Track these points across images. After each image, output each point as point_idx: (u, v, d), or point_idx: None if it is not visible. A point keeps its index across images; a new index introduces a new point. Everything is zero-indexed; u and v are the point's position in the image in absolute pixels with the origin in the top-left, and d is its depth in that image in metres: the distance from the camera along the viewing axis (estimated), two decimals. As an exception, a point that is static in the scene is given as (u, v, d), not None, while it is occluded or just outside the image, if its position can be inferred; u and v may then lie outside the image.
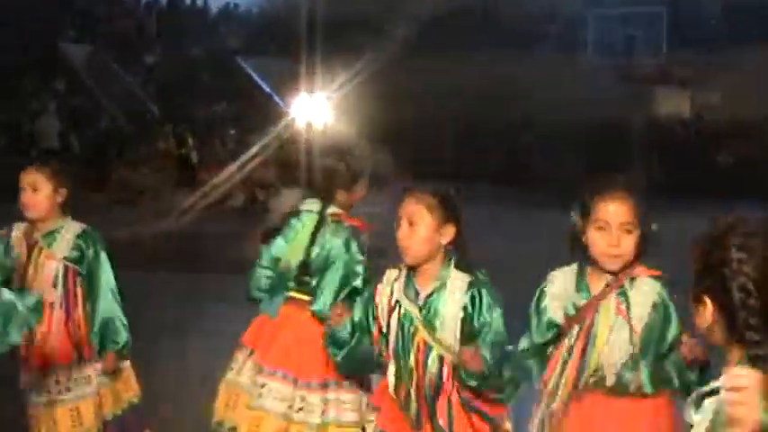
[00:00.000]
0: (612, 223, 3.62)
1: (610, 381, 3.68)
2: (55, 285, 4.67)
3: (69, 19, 27.52)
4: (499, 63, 22.89)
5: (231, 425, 4.64)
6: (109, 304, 4.75)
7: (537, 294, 3.83)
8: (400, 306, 3.79)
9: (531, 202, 16.87)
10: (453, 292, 3.74)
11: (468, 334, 3.71)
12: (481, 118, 21.77)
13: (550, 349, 3.79)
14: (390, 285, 3.85)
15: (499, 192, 18.35)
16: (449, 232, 3.72)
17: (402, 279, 3.83)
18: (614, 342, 3.67)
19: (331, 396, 4.53)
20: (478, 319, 3.72)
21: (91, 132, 23.35)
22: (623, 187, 3.67)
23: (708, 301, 2.24)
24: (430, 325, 3.73)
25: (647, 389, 3.67)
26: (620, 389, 3.69)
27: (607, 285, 3.70)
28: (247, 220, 15.33)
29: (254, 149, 20.56)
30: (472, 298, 3.74)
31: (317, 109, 23.16)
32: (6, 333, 3.70)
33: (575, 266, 3.76)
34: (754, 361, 2.12)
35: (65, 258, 4.69)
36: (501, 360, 3.73)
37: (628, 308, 3.67)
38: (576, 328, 3.74)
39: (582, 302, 3.73)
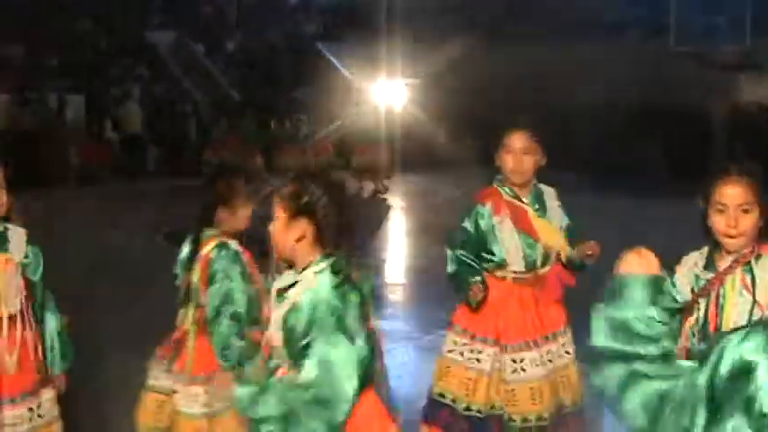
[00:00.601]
0: (730, 205, 3.82)
1: None
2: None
3: (154, 5, 27.92)
4: (581, 49, 22.73)
5: None
6: (55, 315, 4.49)
7: (669, 278, 3.89)
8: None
9: (622, 190, 16.76)
10: (293, 294, 3.47)
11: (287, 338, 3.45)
12: (561, 104, 21.66)
13: (675, 324, 3.85)
14: None
15: (586, 179, 18.18)
16: (299, 228, 3.47)
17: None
18: (739, 316, 3.83)
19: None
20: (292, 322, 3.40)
21: (174, 118, 23.70)
22: (737, 171, 3.87)
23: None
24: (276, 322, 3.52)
25: None
26: None
27: (734, 261, 3.87)
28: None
29: (332, 134, 20.76)
30: (296, 303, 3.42)
31: (396, 94, 23.27)
32: None
33: (705, 249, 3.95)
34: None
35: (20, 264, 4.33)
36: None
37: (753, 283, 3.84)
38: (702, 302, 3.90)
39: (708, 278, 3.90)
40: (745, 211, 3.82)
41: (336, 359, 3.32)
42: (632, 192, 16.58)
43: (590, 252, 5.02)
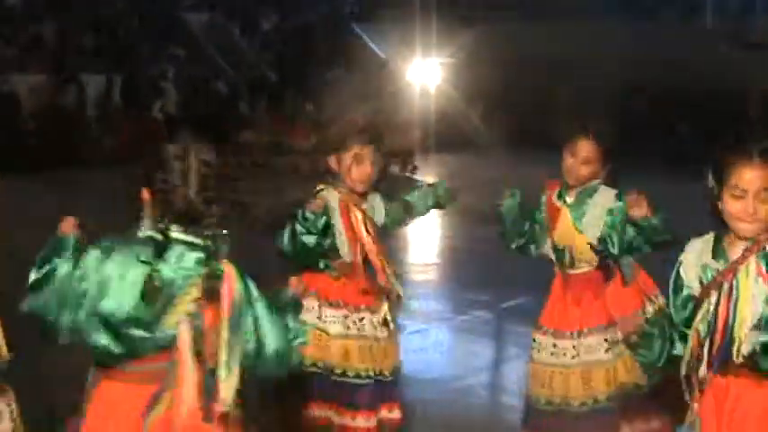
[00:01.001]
0: (750, 190, 3.53)
1: (745, 348, 3.54)
2: None
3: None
4: (615, 28, 22.60)
5: None
6: None
7: (675, 269, 3.78)
8: None
9: (656, 171, 16.65)
10: None
11: None
12: (596, 85, 21.54)
13: (686, 314, 3.73)
14: None
15: (620, 161, 18.05)
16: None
17: None
18: (756, 306, 3.56)
19: None
20: None
21: (210, 98, 23.73)
22: (759, 153, 3.57)
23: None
24: None
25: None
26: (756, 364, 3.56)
27: (747, 250, 3.59)
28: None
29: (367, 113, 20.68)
30: None
31: (430, 74, 23.19)
32: None
33: (711, 235, 3.70)
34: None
35: None
36: None
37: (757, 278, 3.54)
38: (714, 295, 3.64)
39: (719, 268, 3.63)
40: (764, 200, 3.51)
41: None
42: (668, 173, 16.46)
43: (635, 209, 4.90)
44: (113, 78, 21.94)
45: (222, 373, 3.35)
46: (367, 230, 5.30)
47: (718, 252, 3.64)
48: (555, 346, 5.27)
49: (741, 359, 3.56)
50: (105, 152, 19.22)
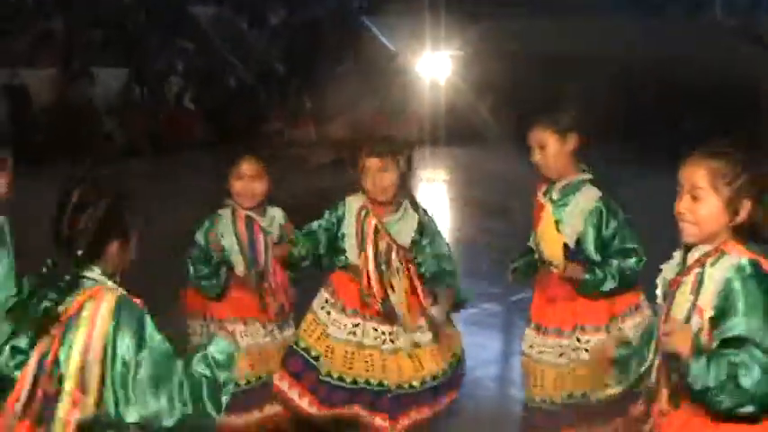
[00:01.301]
0: (685, 186, 3.40)
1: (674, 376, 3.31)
2: None
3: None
4: (624, 22, 22.58)
5: None
6: None
7: None
8: None
9: (664, 165, 16.61)
10: None
11: None
12: (604, 77, 21.52)
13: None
14: None
15: (630, 152, 18.06)
16: None
17: None
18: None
19: None
20: None
21: (218, 91, 23.75)
22: (705, 151, 3.41)
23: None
24: None
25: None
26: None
27: (696, 261, 3.35)
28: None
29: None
30: None
31: (440, 67, 23.19)
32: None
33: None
34: None
35: None
36: None
37: (700, 284, 3.28)
38: (663, 314, 3.42)
39: (672, 278, 3.43)
40: (695, 198, 3.31)
41: None
42: (674, 169, 16.45)
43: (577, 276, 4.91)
44: (129, 72, 22.03)
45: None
46: (375, 241, 5.23)
47: (683, 262, 3.45)
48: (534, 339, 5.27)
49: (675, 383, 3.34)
50: (117, 146, 19.32)
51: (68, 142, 17.90)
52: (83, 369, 3.16)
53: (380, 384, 5.29)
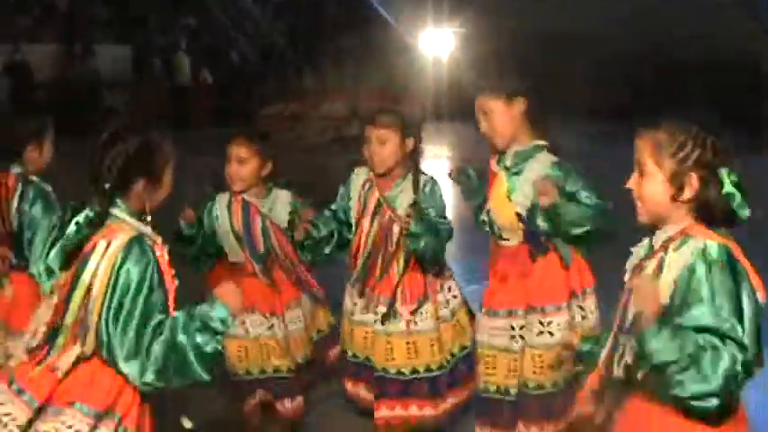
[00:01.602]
0: (636, 159, 3.14)
1: (626, 359, 3.06)
2: None
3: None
4: (625, 1, 22.52)
5: None
6: None
7: None
8: None
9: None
10: None
11: None
12: (608, 54, 21.49)
13: None
14: None
15: (627, 130, 18.04)
16: None
17: None
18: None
19: None
20: None
21: (222, 68, 23.74)
22: (658, 124, 3.14)
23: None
24: None
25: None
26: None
27: (661, 246, 3.08)
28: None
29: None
30: None
31: (443, 43, 23.14)
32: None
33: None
34: None
35: None
36: None
37: (660, 268, 3.01)
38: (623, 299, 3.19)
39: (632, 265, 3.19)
40: (642, 174, 3.07)
41: None
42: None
43: (542, 197, 4.37)
44: (130, 49, 22.04)
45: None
46: (372, 215, 5.21)
47: (649, 248, 3.17)
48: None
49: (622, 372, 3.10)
50: (119, 121, 19.31)
51: (70, 118, 17.91)
52: (86, 305, 3.19)
53: (367, 359, 5.19)
